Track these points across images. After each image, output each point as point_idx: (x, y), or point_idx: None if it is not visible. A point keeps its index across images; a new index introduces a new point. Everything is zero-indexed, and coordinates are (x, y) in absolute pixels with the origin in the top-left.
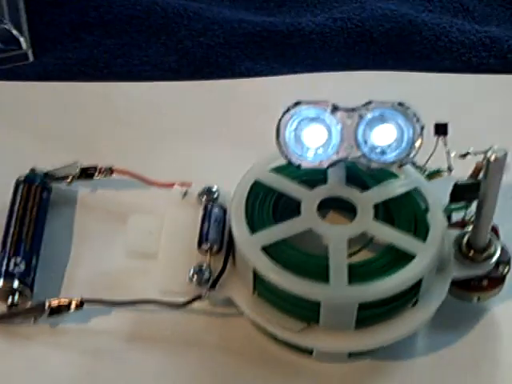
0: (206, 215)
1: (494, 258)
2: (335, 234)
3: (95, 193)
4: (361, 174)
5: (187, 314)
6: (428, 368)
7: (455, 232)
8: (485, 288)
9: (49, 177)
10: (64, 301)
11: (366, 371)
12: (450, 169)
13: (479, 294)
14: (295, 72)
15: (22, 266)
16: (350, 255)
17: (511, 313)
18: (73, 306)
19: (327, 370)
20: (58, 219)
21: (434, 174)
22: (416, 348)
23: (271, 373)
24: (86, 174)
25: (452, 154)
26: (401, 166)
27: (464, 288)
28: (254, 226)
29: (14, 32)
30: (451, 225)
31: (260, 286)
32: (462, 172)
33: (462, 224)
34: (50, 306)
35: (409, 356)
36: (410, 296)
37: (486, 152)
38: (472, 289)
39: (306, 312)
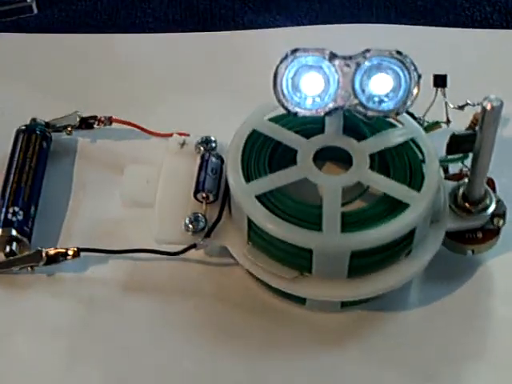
0: (203, 164)
1: (489, 211)
2: (330, 183)
3: (95, 143)
4: (358, 124)
5: (183, 262)
6: (421, 320)
7: (451, 184)
8: (479, 240)
9: (49, 126)
10: (61, 250)
11: (358, 322)
12: (448, 121)
13: (474, 246)
14: (298, 24)
15: (21, 215)
16: (345, 204)
17: (505, 266)
18: (70, 254)
19: (320, 319)
20: (57, 169)
21: (432, 126)
22: (409, 300)
23: (265, 321)
24: (86, 123)
25: (451, 106)
26: (397, 114)
27: (458, 240)
28: (249, 174)
29: None
30: (448, 177)
31: (254, 234)
32: (461, 125)
33: (459, 176)
34: (47, 254)
35: (402, 308)
36: (403, 246)
37: (482, 102)
38: (467, 241)
39: (299, 260)
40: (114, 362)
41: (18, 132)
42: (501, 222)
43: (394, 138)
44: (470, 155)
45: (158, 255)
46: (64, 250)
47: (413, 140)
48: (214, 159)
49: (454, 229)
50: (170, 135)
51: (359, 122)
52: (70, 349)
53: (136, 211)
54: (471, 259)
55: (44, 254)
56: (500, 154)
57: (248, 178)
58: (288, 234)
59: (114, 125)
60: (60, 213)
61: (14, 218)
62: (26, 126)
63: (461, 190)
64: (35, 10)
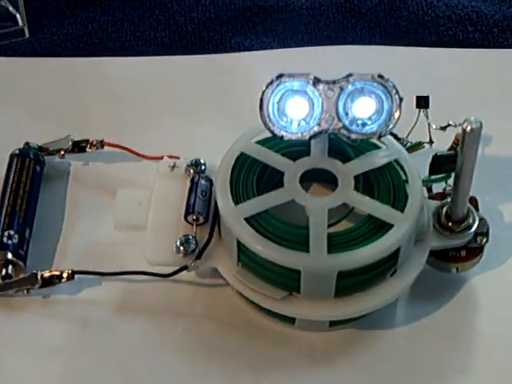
0: (193, 187)
1: (473, 229)
2: (316, 205)
3: (87, 166)
4: (343, 146)
5: (174, 284)
6: (407, 337)
7: (434, 203)
8: (463, 258)
9: (42, 150)
10: (56, 272)
11: (347, 340)
12: (431, 141)
13: (458, 264)
14: (285, 46)
15: (16, 239)
16: (331, 225)
17: (489, 283)
18: (64, 277)
19: (309, 338)
20: (50, 192)
21: (415, 147)
22: (396, 318)
23: (255, 341)
24: (78, 147)
25: (433, 127)
26: (380, 136)
27: (443, 258)
28: (238, 197)
29: (11, 8)
30: (432, 196)
31: (244, 256)
32: (444, 145)
33: (443, 196)
34: (42, 277)
35: (389, 325)
36: (388, 265)
37: (462, 123)
38: (451, 259)
39: (287, 281)
40: (108, 382)
41: (12, 156)
42: (484, 240)
43: (377, 159)
44: (453, 175)
45: (151, 277)
46: (59, 273)
47: (396, 161)
48: (203, 182)
49: (437, 247)
50: (161, 158)
51: (344, 144)
52: (66, 369)
53: (128, 233)
54: (455, 277)
55: (39, 277)
56: (483, 173)
57: (237, 201)
58: (276, 255)
59: (106, 148)
60: (54, 235)
61: (10, 242)
62: (19, 150)
63: (444, 209)
64: (27, 34)
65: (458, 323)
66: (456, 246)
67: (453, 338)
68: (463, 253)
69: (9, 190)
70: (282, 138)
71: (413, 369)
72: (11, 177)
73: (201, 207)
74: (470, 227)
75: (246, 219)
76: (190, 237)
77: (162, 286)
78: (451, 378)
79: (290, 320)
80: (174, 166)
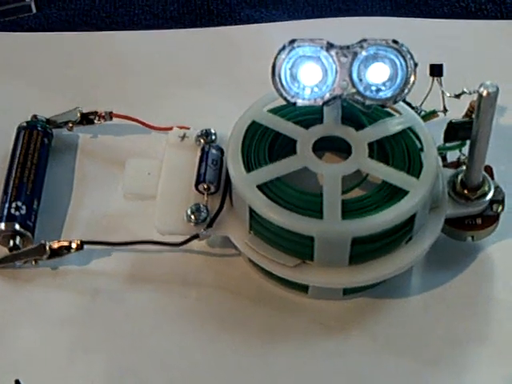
0: (204, 156)
1: (488, 197)
2: (330, 172)
3: (96, 138)
4: (356, 114)
5: (185, 253)
6: (422, 306)
7: (449, 171)
8: (479, 227)
9: (50, 123)
10: (64, 243)
11: (360, 309)
12: (445, 109)
13: (473, 232)
14: (294, 19)
15: (24, 210)
16: (345, 193)
17: (505, 252)
18: (73, 247)
19: (323, 307)
20: (59, 164)
21: (429, 115)
22: (410, 286)
23: (268, 310)
24: (87, 119)
25: (447, 95)
26: (395, 102)
27: (458, 226)
28: (250, 164)
29: None
30: (446, 165)
31: (256, 223)
32: (458, 113)
33: (457, 164)
34: (50, 247)
35: (403, 294)
36: (403, 232)
37: (478, 88)
38: (466, 228)
39: (301, 248)
40: (118, 351)
41: (20, 129)
42: (499, 207)
43: (392, 126)
44: (468, 143)
45: (161, 247)
46: (67, 243)
47: (411, 128)
48: (214, 151)
49: (453, 215)
50: (170, 129)
51: (357, 111)
52: (75, 340)
53: (138, 204)
54: (471, 245)
55: (47, 248)
56: (498, 142)
57: (248, 168)
58: (289, 222)
59: (115, 120)
60: (63, 207)
61: (17, 213)
62: (27, 122)
63: (459, 178)
64: (34, 10)
65: (473, 292)
66: (471, 214)
67: (468, 307)
68: (479, 221)
69: (16, 162)
70: (294, 104)
71: (427, 337)
72: (19, 149)
73: (212, 176)
74: (485, 195)
75: (259, 186)
76: (201, 205)
77: (172, 256)
78: (467, 346)
79: (303, 288)
80: (183, 137)
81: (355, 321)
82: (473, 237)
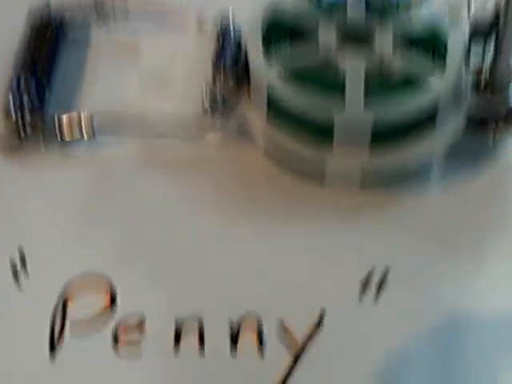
0: (222, 42)
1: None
2: (352, 62)
3: (109, 28)
4: (381, 5)
5: (201, 145)
6: (440, 204)
7: (474, 66)
8: (502, 124)
9: (63, 8)
10: (74, 118)
11: (377, 204)
12: (469, 7)
13: (495, 131)
14: None
15: (34, 92)
16: (367, 82)
17: None
18: (84, 133)
19: (339, 200)
20: (71, 53)
21: (454, 10)
22: (430, 184)
23: (283, 201)
24: (101, 8)
25: None
26: None
27: (481, 126)
28: (269, 49)
29: None
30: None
31: (274, 109)
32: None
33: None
34: (60, 128)
35: (422, 192)
36: (424, 123)
37: None
38: (489, 127)
39: (321, 133)
40: (128, 229)
41: (31, 14)
42: None
43: (417, 17)
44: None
45: (175, 136)
46: (77, 124)
47: (436, 20)
48: (232, 36)
49: (476, 112)
50: (187, 14)
51: (382, 2)
52: (84, 218)
53: (153, 92)
54: (493, 146)
55: (57, 126)
56: None
57: (268, 53)
58: (310, 104)
59: (130, 11)
60: (74, 93)
61: (26, 99)
62: (38, 7)
63: (484, 74)
64: None
65: (493, 191)
66: (495, 110)
67: (488, 205)
68: (502, 119)
69: (27, 45)
70: None
71: (446, 227)
72: (30, 33)
73: (230, 65)
74: (508, 90)
75: (278, 71)
76: (218, 94)
77: (187, 147)
78: (486, 236)
79: (320, 178)
80: (201, 22)
81: (371, 216)
82: (494, 136)
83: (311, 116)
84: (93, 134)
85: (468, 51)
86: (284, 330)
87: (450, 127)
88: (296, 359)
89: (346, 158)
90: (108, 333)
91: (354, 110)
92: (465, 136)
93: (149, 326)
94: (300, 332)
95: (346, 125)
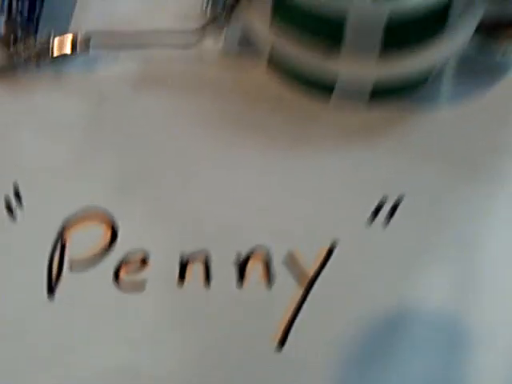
0: None
1: None
2: None
3: None
4: None
5: (199, 59)
6: (451, 119)
7: None
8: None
9: None
10: (68, 37)
11: (387, 121)
12: None
13: (507, 40)
14: None
15: (26, 7)
16: None
17: None
18: (78, 47)
19: (347, 118)
20: None
21: None
22: (439, 98)
23: (288, 118)
24: None
25: None
26: None
27: (492, 34)
28: None
29: None
30: None
31: (280, 10)
32: None
33: None
34: (53, 43)
35: (432, 106)
36: (436, 23)
37: None
38: (501, 33)
39: (330, 35)
40: (127, 153)
41: None
42: None
43: None
44: None
45: (174, 49)
46: (72, 37)
47: None
48: None
49: (488, 16)
50: None
51: None
52: (79, 145)
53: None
54: (502, 62)
55: (51, 42)
56: None
57: None
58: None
59: None
60: (68, 9)
61: (18, 15)
62: None
63: None
64: None
65: (502, 106)
66: (506, 18)
67: (498, 120)
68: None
69: None
70: None
71: (456, 149)
72: None
73: None
74: None
75: None
76: None
77: (185, 60)
78: (494, 158)
79: (327, 92)
80: None
81: (381, 133)
82: (504, 52)
83: (322, 11)
84: (87, 49)
85: None
86: (293, 262)
87: (463, 29)
88: (307, 290)
89: (357, 64)
90: (110, 268)
91: (365, 4)
92: (474, 50)
93: (152, 260)
94: (310, 263)
95: (358, 21)
